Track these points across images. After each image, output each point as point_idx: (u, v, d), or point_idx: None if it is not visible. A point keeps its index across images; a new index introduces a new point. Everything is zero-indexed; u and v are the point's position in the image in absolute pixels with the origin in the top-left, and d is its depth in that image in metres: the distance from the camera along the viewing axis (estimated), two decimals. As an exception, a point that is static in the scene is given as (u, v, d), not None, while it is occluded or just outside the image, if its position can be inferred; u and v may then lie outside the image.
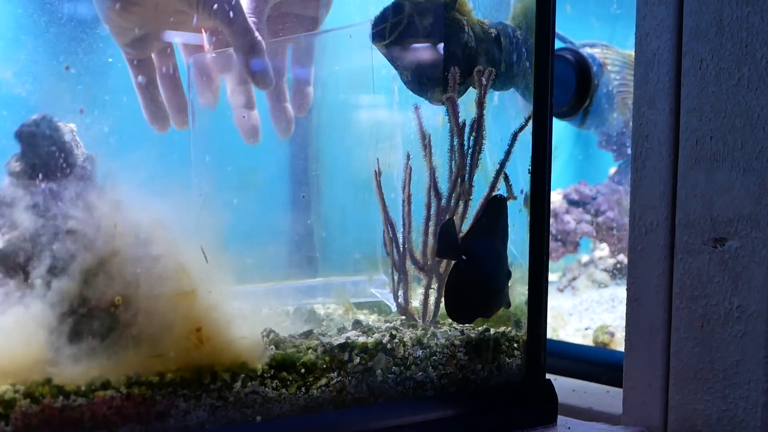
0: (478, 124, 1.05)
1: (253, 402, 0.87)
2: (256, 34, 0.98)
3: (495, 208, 1.04)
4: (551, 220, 1.91)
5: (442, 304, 1.06)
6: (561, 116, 1.81)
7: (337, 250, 1.21)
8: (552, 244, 2.06)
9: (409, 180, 1.08)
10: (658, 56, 1.04)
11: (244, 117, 1.06)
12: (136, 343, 0.83)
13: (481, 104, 1.04)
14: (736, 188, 0.98)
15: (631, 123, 1.08)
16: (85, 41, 0.92)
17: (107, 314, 0.81)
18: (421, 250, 1.08)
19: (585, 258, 2.10)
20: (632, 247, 1.07)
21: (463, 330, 1.05)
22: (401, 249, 1.09)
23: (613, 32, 1.96)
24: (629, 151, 1.09)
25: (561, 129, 1.96)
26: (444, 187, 1.06)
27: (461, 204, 1.06)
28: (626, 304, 1.08)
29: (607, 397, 1.26)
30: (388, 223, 1.09)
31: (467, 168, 1.05)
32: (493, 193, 1.06)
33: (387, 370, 0.97)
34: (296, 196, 1.21)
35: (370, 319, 1.12)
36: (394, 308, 1.12)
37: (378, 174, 1.08)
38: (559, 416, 1.07)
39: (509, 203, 1.05)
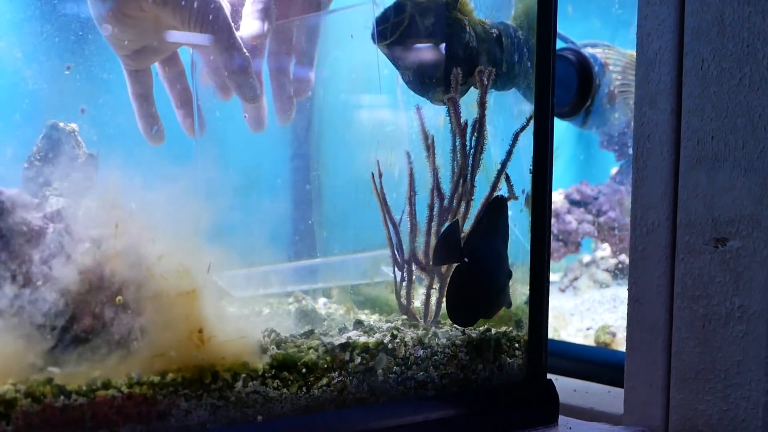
0: (480, 124, 1.05)
1: (254, 402, 0.87)
2: (244, 51, 0.98)
3: (496, 209, 1.04)
4: (553, 220, 1.91)
5: (444, 304, 1.06)
6: (563, 116, 1.80)
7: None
8: (553, 244, 2.06)
9: (412, 180, 1.08)
10: (660, 56, 1.04)
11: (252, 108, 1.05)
12: (137, 343, 0.83)
13: (483, 104, 1.04)
14: (738, 188, 0.98)
15: (632, 123, 1.08)
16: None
17: (108, 314, 0.82)
18: (424, 250, 1.08)
19: (586, 258, 2.09)
20: (633, 248, 1.07)
21: (464, 330, 1.05)
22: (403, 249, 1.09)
23: (615, 32, 1.96)
24: (631, 151, 1.09)
25: (563, 129, 1.96)
26: (446, 187, 1.06)
27: (463, 204, 1.05)
28: (627, 305, 1.08)
29: (608, 397, 1.26)
30: (391, 222, 1.08)
31: (469, 168, 1.05)
32: (495, 194, 1.06)
33: (388, 369, 0.97)
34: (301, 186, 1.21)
35: (372, 319, 1.12)
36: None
37: (379, 176, 1.08)
38: (560, 416, 1.06)
39: (510, 203, 1.05)
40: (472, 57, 1.05)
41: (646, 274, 1.06)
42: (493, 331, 1.06)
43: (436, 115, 1.07)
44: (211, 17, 0.96)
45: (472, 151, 1.05)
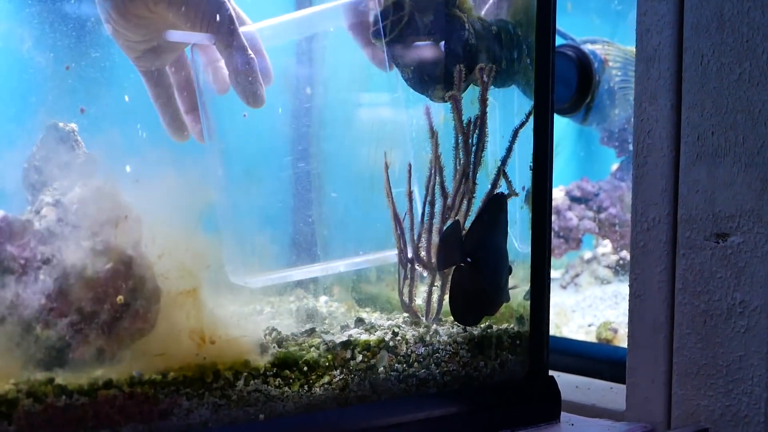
0: (482, 121, 1.04)
1: (256, 400, 0.87)
2: (250, 52, 0.98)
3: (495, 206, 1.04)
4: (553, 217, 1.91)
5: (445, 302, 1.06)
6: (563, 113, 1.80)
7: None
8: (554, 241, 2.06)
9: (410, 177, 1.07)
10: (659, 52, 1.04)
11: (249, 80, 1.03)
12: (138, 342, 0.84)
13: (484, 101, 1.04)
14: (738, 184, 0.98)
15: (632, 119, 1.08)
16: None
17: (110, 313, 0.82)
18: (426, 247, 1.08)
19: (588, 254, 2.09)
20: (634, 244, 1.07)
21: (465, 327, 1.05)
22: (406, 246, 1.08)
23: (614, 29, 1.95)
24: (631, 147, 1.09)
25: (563, 126, 1.96)
26: (448, 185, 1.06)
27: (464, 202, 1.05)
28: (629, 301, 1.08)
29: (610, 393, 1.26)
30: (396, 219, 1.08)
31: (471, 165, 1.05)
32: (495, 191, 1.06)
33: (390, 367, 0.97)
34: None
35: (373, 316, 1.12)
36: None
37: (386, 168, 1.07)
38: (562, 413, 1.07)
39: (511, 200, 1.05)
40: (472, 54, 1.05)
41: (647, 270, 1.06)
42: (495, 328, 1.06)
43: (436, 112, 1.07)
44: (217, 17, 0.96)
45: (473, 148, 1.05)
